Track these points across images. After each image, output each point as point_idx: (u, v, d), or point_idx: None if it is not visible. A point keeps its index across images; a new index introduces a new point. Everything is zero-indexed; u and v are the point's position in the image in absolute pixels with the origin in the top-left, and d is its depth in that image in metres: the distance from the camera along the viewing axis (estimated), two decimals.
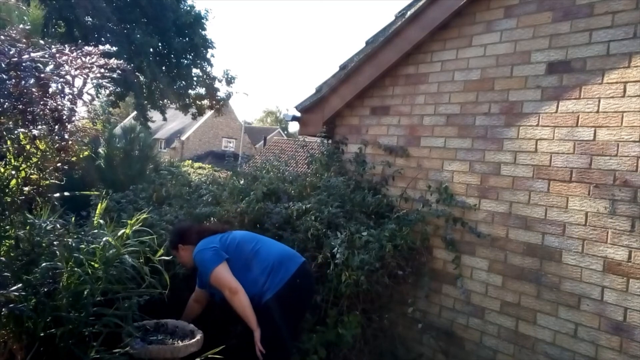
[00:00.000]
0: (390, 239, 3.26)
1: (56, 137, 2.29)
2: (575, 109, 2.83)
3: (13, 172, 2.30)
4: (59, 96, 2.26)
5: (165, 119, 19.63)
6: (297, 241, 3.33)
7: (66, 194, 2.64)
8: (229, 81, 18.32)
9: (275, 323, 2.70)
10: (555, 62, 2.94)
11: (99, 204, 2.82)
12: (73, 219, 2.67)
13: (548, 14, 2.99)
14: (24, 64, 2.05)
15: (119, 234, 2.62)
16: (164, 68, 16.09)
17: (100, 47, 2.45)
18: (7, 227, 2.30)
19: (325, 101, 4.28)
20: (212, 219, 3.61)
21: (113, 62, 2.41)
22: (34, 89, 2.12)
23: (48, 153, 2.37)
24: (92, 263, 2.44)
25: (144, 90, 16.39)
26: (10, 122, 2.17)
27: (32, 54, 2.13)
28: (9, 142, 2.26)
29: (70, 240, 2.42)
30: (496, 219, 3.15)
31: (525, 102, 3.06)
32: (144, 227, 2.78)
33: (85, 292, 2.39)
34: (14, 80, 2.04)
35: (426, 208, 3.48)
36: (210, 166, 18.58)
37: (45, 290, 2.29)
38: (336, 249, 3.10)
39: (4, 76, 2.00)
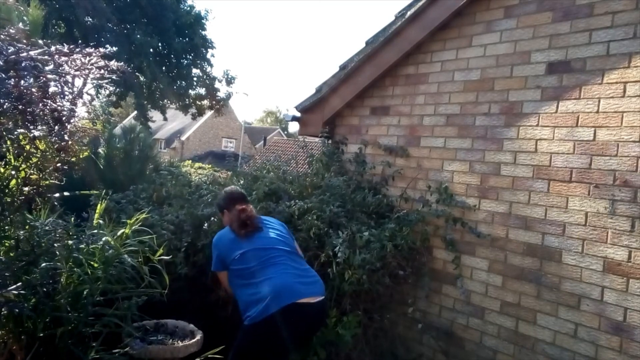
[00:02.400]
0: (391, 238, 3.26)
1: (56, 137, 2.28)
2: (575, 109, 2.83)
3: (13, 172, 2.30)
4: (58, 96, 2.25)
5: (165, 119, 19.62)
6: (300, 240, 3.32)
7: (66, 194, 2.64)
8: (229, 81, 18.33)
9: (239, 347, 2.52)
10: (555, 62, 2.94)
11: (99, 204, 2.83)
12: (72, 219, 2.67)
13: (548, 14, 2.99)
14: (23, 63, 2.04)
15: (119, 234, 2.62)
16: (164, 68, 16.09)
17: (101, 49, 2.42)
18: (7, 227, 2.30)
19: (325, 101, 4.28)
20: (213, 219, 3.61)
21: (113, 64, 2.40)
22: (33, 89, 2.12)
23: (48, 153, 2.37)
24: (92, 263, 2.44)
25: (144, 90, 16.37)
26: (10, 122, 2.16)
27: (31, 52, 2.13)
28: (9, 142, 2.26)
29: (69, 240, 2.42)
30: (496, 219, 3.15)
31: (525, 102, 3.06)
32: (144, 227, 2.79)
33: (85, 292, 2.40)
34: (13, 80, 2.04)
35: (426, 208, 3.48)
36: (210, 166, 18.55)
37: (45, 290, 2.30)
38: (338, 247, 3.10)
39: (3, 75, 1.99)
